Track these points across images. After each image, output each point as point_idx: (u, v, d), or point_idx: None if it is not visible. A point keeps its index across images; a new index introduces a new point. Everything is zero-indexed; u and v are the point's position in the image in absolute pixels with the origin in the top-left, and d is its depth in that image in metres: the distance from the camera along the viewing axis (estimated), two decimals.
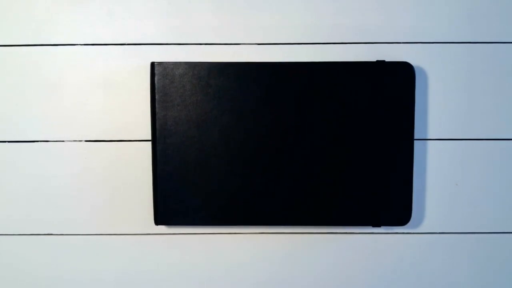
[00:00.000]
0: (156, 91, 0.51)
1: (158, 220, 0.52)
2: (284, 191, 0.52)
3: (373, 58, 0.53)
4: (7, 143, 0.54)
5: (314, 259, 0.56)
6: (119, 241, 0.56)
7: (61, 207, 0.55)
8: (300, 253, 0.56)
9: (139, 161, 0.54)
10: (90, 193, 0.55)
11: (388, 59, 0.53)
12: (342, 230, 0.56)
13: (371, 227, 0.55)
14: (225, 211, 0.52)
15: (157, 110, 0.51)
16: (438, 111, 0.54)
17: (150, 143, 0.54)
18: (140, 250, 0.56)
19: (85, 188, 0.55)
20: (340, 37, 0.53)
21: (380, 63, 0.51)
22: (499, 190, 0.55)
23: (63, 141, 0.54)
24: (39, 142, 0.54)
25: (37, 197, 0.55)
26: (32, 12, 0.53)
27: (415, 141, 0.53)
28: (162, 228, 0.56)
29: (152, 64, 0.51)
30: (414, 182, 0.53)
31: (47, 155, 0.54)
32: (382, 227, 0.55)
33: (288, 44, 0.53)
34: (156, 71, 0.51)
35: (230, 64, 0.51)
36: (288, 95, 0.51)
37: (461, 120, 0.54)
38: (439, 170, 0.55)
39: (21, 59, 0.53)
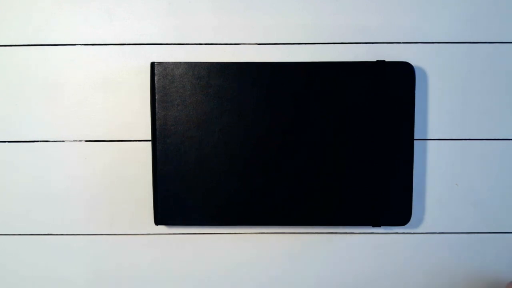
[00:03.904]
0: (156, 91, 0.51)
1: (158, 220, 0.52)
2: (284, 191, 0.52)
3: (373, 58, 0.53)
4: (7, 143, 0.54)
5: (314, 259, 0.56)
6: (119, 241, 0.56)
7: (61, 207, 0.55)
8: (300, 253, 0.56)
9: (139, 161, 0.54)
10: (90, 193, 0.55)
11: (388, 59, 0.53)
12: (342, 230, 0.56)
13: (371, 227, 0.55)
14: (225, 211, 0.52)
15: (157, 110, 0.51)
16: (438, 111, 0.54)
17: (150, 143, 0.54)
18: (140, 250, 0.56)
19: (85, 188, 0.55)
20: (340, 37, 0.53)
21: (380, 63, 0.51)
22: (499, 190, 0.55)
23: (63, 141, 0.54)
24: (39, 142, 0.54)
25: (37, 197, 0.55)
26: (32, 12, 0.53)
27: (415, 141, 0.53)
28: (162, 228, 0.56)
29: (152, 64, 0.51)
30: (414, 182, 0.53)
31: (47, 155, 0.54)
32: (382, 227, 0.55)
33: (288, 44, 0.53)
34: (156, 71, 0.51)
35: (230, 64, 0.51)
36: (288, 95, 0.51)
37: (461, 120, 0.54)
38: (439, 170, 0.55)
39: (21, 59, 0.53)
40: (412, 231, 0.56)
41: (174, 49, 0.53)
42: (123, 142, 0.54)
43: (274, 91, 0.51)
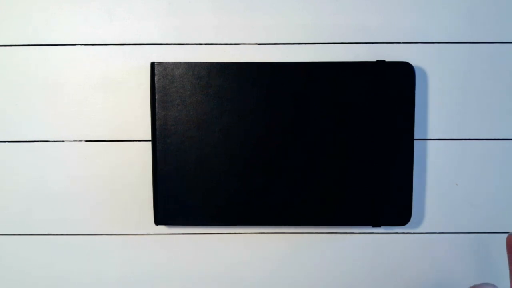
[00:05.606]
0: (156, 91, 0.51)
1: (158, 220, 0.52)
2: (284, 191, 0.52)
3: (373, 58, 0.53)
4: (7, 143, 0.54)
5: (314, 259, 0.56)
6: (119, 241, 0.56)
7: (61, 207, 0.55)
8: (300, 253, 0.56)
9: (139, 161, 0.54)
10: (90, 193, 0.55)
11: (388, 59, 0.53)
12: (342, 230, 0.56)
13: (371, 227, 0.55)
14: (225, 211, 0.52)
15: (157, 110, 0.51)
16: (438, 111, 0.54)
17: (150, 143, 0.54)
18: (140, 250, 0.56)
19: (85, 188, 0.55)
20: (340, 37, 0.53)
21: (380, 63, 0.51)
22: (498, 190, 0.55)
23: (63, 141, 0.54)
24: (39, 142, 0.54)
25: (37, 197, 0.55)
26: (32, 12, 0.53)
27: (415, 141, 0.53)
28: (162, 228, 0.56)
29: (152, 64, 0.51)
30: (414, 182, 0.53)
31: (47, 155, 0.54)
32: (382, 227, 0.55)
33: (288, 44, 0.53)
34: (156, 71, 0.51)
35: (230, 64, 0.51)
36: (288, 95, 0.51)
37: (461, 120, 0.54)
38: (439, 170, 0.55)
39: (21, 59, 0.53)
40: (412, 231, 0.56)
41: (174, 49, 0.53)
42: (123, 142, 0.54)
43: (274, 91, 0.51)
